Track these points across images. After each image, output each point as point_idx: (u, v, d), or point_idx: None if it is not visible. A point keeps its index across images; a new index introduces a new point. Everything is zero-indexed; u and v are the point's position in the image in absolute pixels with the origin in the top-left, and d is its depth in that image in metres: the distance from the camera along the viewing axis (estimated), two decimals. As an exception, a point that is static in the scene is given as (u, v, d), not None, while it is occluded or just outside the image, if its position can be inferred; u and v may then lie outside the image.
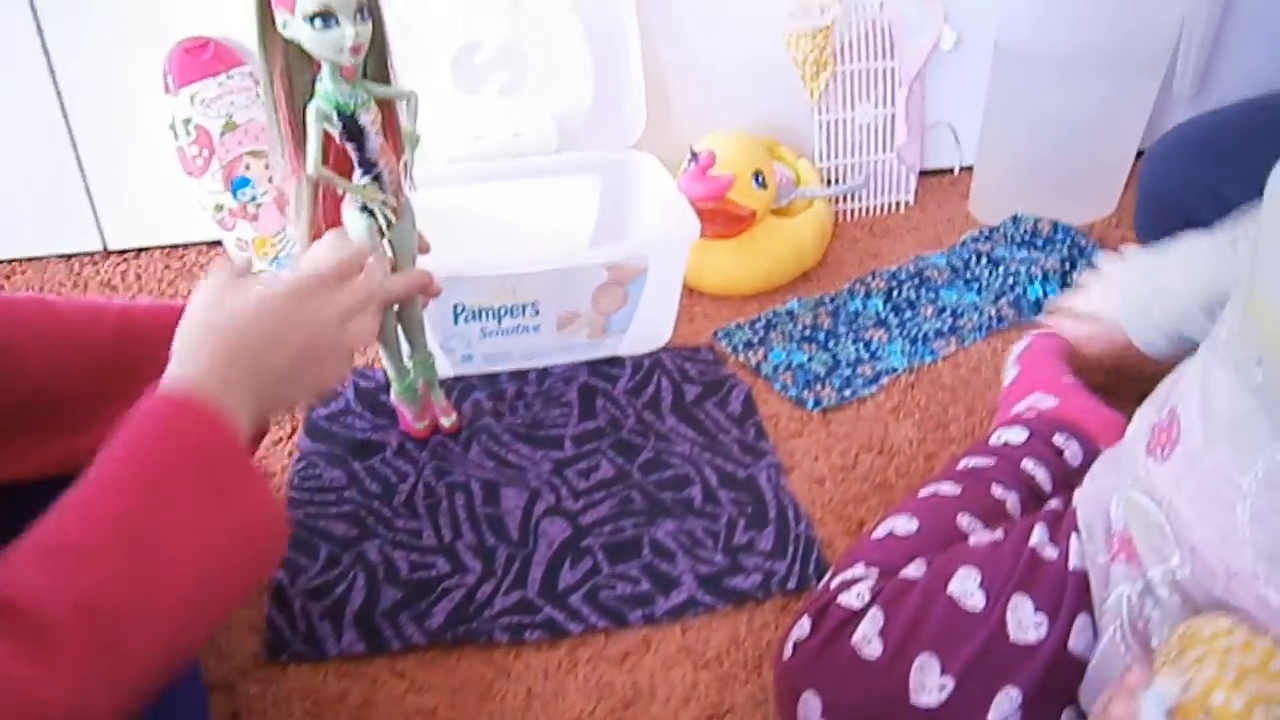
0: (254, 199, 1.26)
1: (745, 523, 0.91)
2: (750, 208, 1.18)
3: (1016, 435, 0.88)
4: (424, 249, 0.90)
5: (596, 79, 1.27)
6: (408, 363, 0.97)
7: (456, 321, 1.04)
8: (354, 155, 0.82)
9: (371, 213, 0.84)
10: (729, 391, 1.07)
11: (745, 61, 1.37)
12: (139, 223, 1.34)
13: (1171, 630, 0.57)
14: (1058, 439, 0.87)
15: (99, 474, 0.56)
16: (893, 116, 1.41)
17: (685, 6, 1.32)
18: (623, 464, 0.98)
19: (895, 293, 1.24)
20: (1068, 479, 0.84)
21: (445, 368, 1.07)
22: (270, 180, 1.25)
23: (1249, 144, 1.05)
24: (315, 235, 0.84)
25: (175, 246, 1.36)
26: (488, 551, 0.89)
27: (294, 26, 0.75)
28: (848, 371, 1.11)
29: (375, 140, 0.82)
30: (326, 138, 0.81)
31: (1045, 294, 1.21)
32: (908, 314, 1.21)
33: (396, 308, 0.92)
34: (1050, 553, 0.69)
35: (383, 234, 0.85)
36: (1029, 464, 0.85)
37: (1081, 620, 0.66)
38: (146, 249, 1.35)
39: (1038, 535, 0.70)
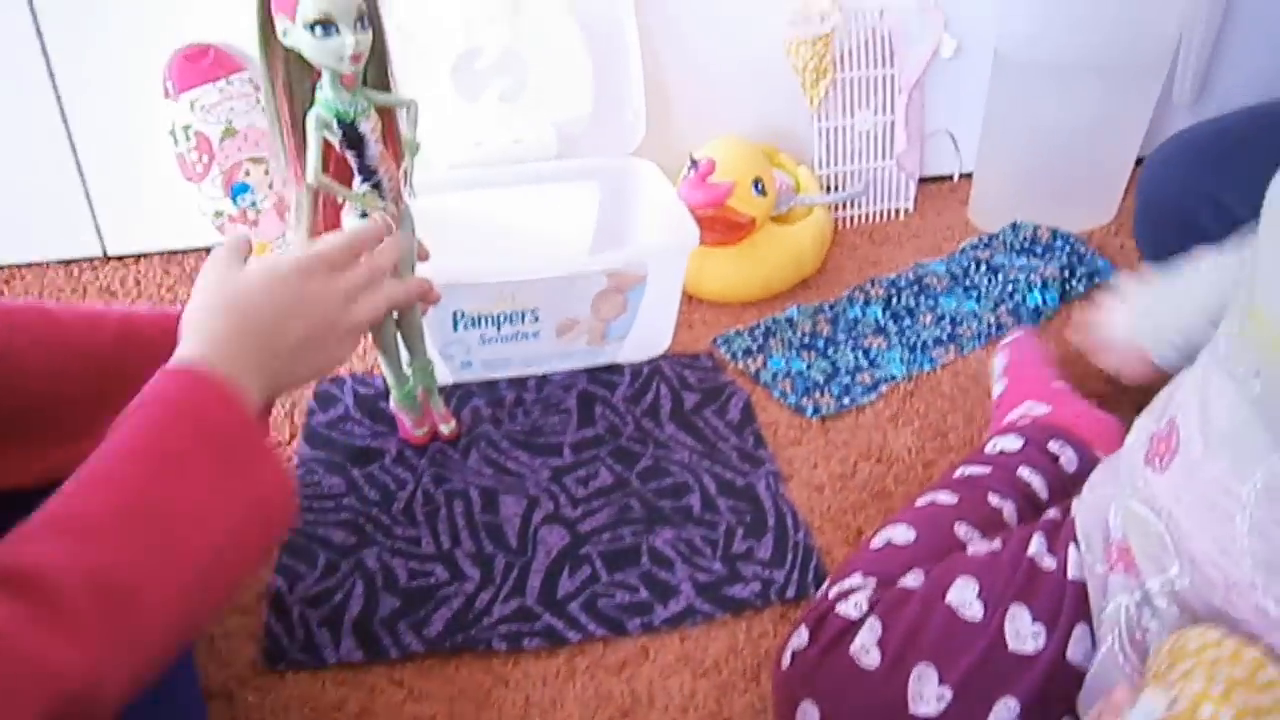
0: (254, 205, 1.26)
1: (744, 531, 0.91)
2: (750, 215, 1.18)
3: (1012, 443, 0.88)
4: (423, 256, 0.90)
5: (596, 86, 1.27)
6: (407, 370, 0.97)
7: (456, 328, 1.04)
8: (354, 163, 0.82)
9: (372, 220, 0.84)
10: (728, 399, 1.07)
11: (745, 69, 1.37)
12: (139, 228, 1.34)
13: (1161, 643, 0.57)
14: (1053, 445, 0.87)
15: (112, 448, 0.57)
16: (892, 124, 1.42)
17: (685, 13, 1.32)
18: (621, 472, 0.98)
19: (894, 300, 1.24)
20: (1064, 486, 0.85)
21: (444, 374, 1.07)
22: (270, 186, 1.25)
23: (1249, 152, 1.05)
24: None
25: (175, 252, 1.36)
26: (486, 559, 0.89)
27: (294, 34, 0.75)
28: (847, 379, 1.11)
29: (375, 148, 0.82)
30: (326, 145, 0.81)
31: (1045, 301, 1.21)
32: (907, 321, 1.21)
33: (396, 315, 0.92)
34: (1048, 562, 0.69)
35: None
36: (1025, 472, 0.85)
37: (1080, 630, 0.66)
38: (146, 254, 1.35)
39: (1036, 545, 0.70)
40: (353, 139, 0.81)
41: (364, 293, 0.74)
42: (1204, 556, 0.59)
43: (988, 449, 0.89)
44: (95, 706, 0.49)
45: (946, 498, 0.82)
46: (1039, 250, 1.30)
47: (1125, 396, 1.08)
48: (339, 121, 0.80)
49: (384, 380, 0.99)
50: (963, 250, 1.33)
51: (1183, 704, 0.50)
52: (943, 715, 0.65)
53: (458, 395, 1.08)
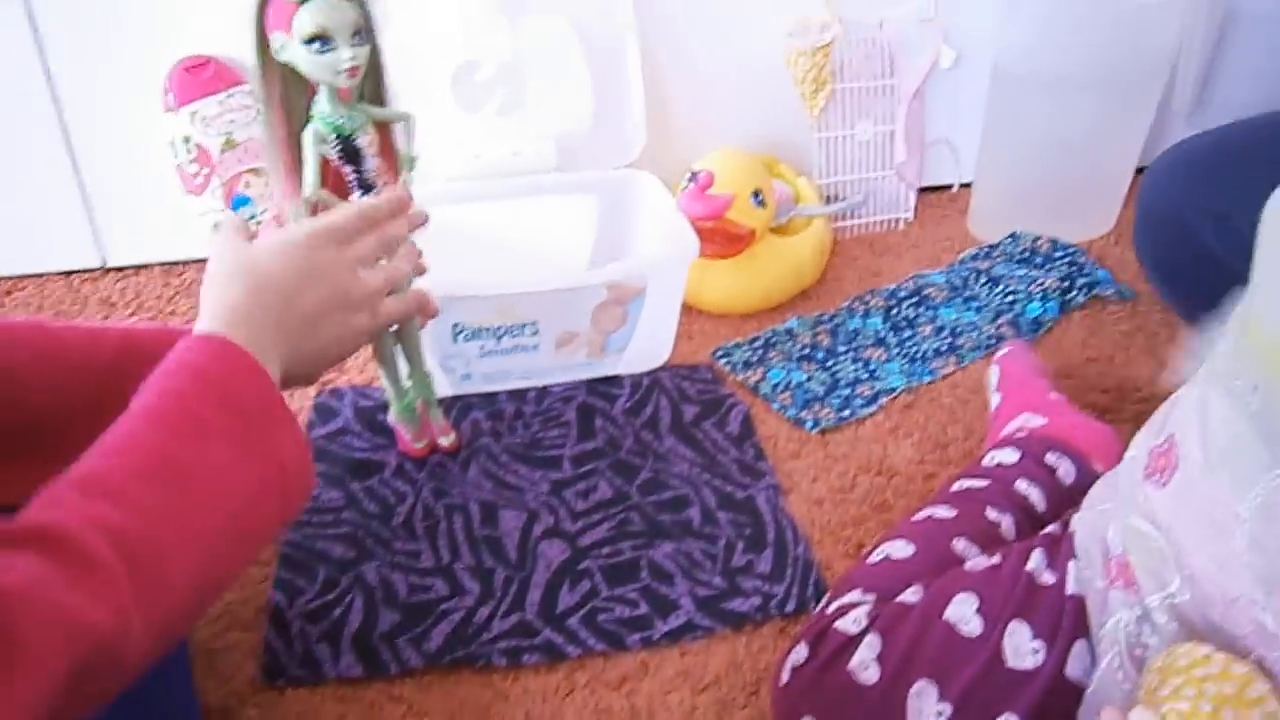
0: (254, 217, 1.26)
1: (744, 545, 0.91)
2: (749, 227, 1.18)
3: (1009, 456, 0.88)
4: (420, 270, 0.90)
5: (595, 98, 1.28)
6: (406, 382, 0.97)
7: (455, 340, 1.04)
8: (351, 177, 0.82)
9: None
10: (728, 411, 1.07)
11: (745, 80, 1.38)
12: (139, 240, 1.34)
13: (1154, 659, 0.57)
14: (1049, 458, 0.87)
15: (136, 413, 0.58)
16: (892, 134, 1.42)
17: (685, 25, 1.32)
18: (621, 485, 0.98)
19: (894, 311, 1.24)
20: (1061, 498, 0.85)
21: (444, 387, 1.07)
22: (271, 199, 1.26)
23: (1249, 163, 1.05)
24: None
25: (175, 264, 1.36)
26: (486, 573, 0.88)
27: (291, 50, 0.76)
28: (846, 391, 1.11)
29: (372, 162, 0.82)
30: (324, 160, 0.81)
31: (1045, 313, 1.21)
32: (907, 333, 1.21)
33: (395, 327, 0.92)
34: (1048, 578, 0.69)
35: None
36: (1022, 484, 0.85)
37: (1079, 646, 0.66)
38: (146, 266, 1.36)
39: (1035, 560, 0.70)
40: (350, 153, 0.81)
41: (376, 263, 0.75)
42: (1203, 572, 0.58)
43: (985, 462, 0.89)
44: (119, 662, 0.51)
45: (945, 512, 0.82)
46: (1039, 261, 1.30)
47: (1122, 408, 1.08)
48: (336, 136, 0.80)
49: (383, 393, 0.99)
50: (962, 261, 1.33)
51: None
52: (942, 732, 0.65)
53: (457, 407, 1.08)
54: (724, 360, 1.16)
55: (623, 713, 0.78)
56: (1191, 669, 0.54)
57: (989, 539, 0.79)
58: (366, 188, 0.83)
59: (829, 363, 1.16)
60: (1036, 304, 1.22)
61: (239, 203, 1.25)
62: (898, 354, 1.17)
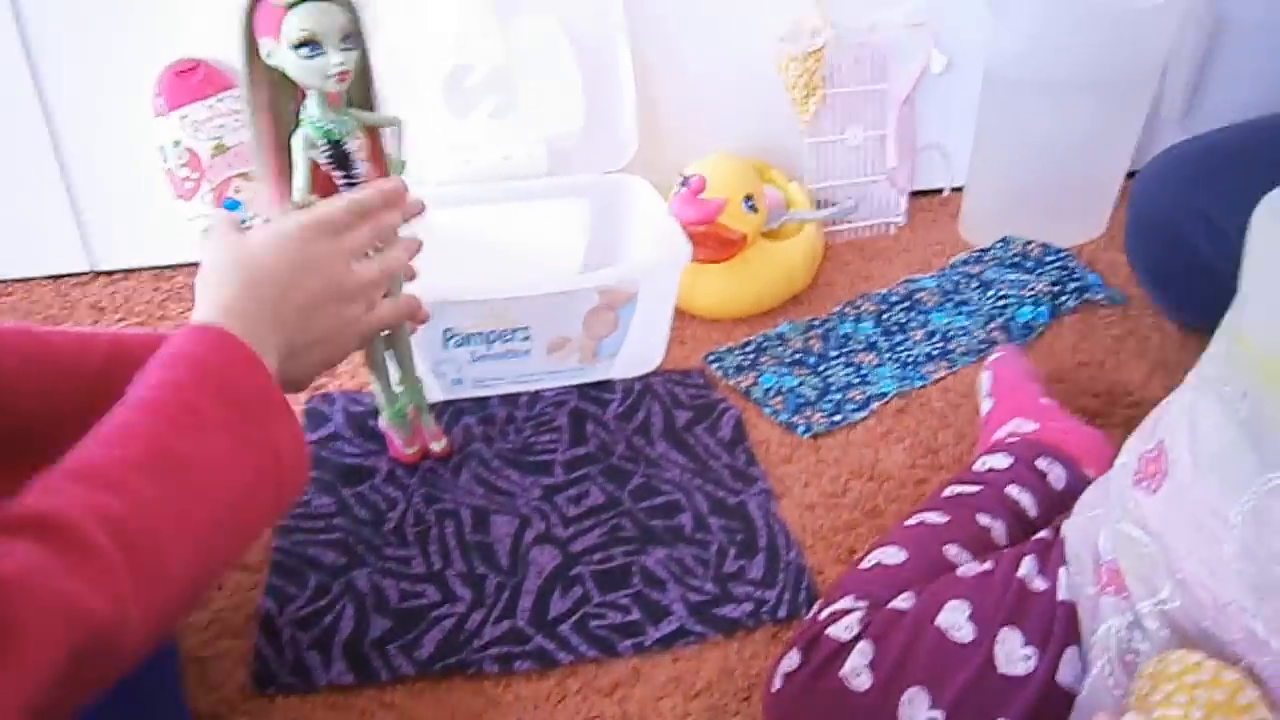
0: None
1: (736, 550, 0.91)
2: (741, 232, 1.18)
3: (1000, 461, 0.88)
4: (410, 276, 0.90)
5: (587, 102, 1.27)
6: (396, 388, 0.97)
7: (446, 345, 1.03)
8: (341, 182, 0.82)
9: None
10: (719, 416, 1.07)
11: (736, 84, 1.38)
12: (128, 244, 1.33)
13: (1144, 665, 0.57)
14: (1041, 463, 0.87)
15: (131, 402, 0.58)
16: (883, 139, 1.42)
17: (676, 29, 1.32)
18: (613, 490, 0.97)
19: (886, 316, 1.24)
20: (1053, 503, 0.85)
21: (435, 392, 1.07)
22: (259, 204, 1.25)
23: (1239, 168, 1.06)
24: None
25: (164, 268, 1.35)
26: (477, 580, 0.88)
27: (280, 55, 0.76)
28: (838, 396, 1.11)
29: (362, 167, 0.82)
30: (313, 165, 0.81)
31: (1036, 317, 1.21)
32: (898, 337, 1.21)
33: (385, 333, 0.92)
34: (1039, 584, 0.69)
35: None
36: (1014, 490, 0.85)
37: (1070, 652, 0.66)
38: (135, 271, 1.35)
39: (1026, 567, 0.70)
40: (339, 158, 0.81)
41: (369, 254, 0.75)
42: (1193, 578, 0.59)
43: (976, 467, 0.89)
44: (116, 650, 0.51)
45: (936, 518, 0.82)
46: (1030, 265, 1.31)
47: (1113, 412, 1.08)
48: (326, 141, 0.80)
49: (375, 398, 0.98)
50: (953, 265, 1.34)
51: None
52: (934, 738, 0.65)
53: (449, 412, 1.08)
54: (716, 365, 1.16)
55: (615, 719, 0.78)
56: (1183, 675, 0.54)
57: (980, 544, 0.79)
58: (357, 193, 0.82)
59: (820, 367, 1.16)
60: (1028, 308, 1.22)
61: (229, 207, 1.24)
62: (889, 359, 1.17)
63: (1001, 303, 1.23)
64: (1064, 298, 1.25)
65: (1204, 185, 1.09)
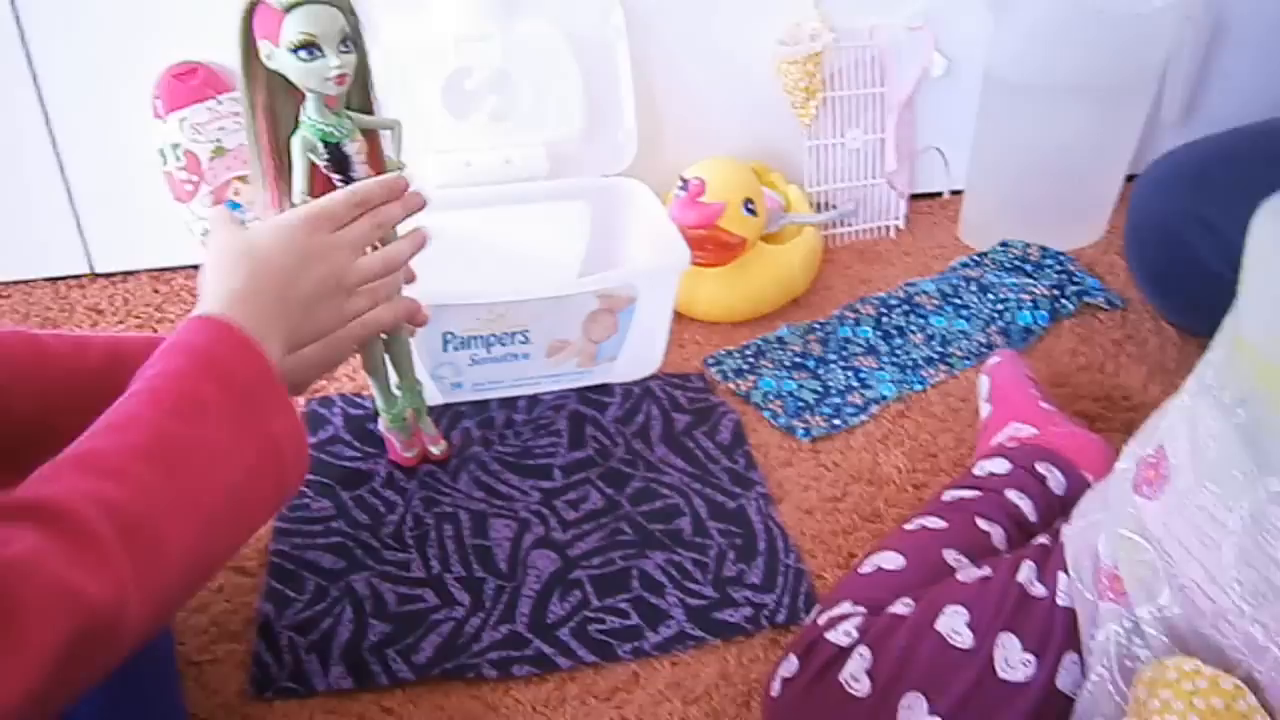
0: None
1: (735, 555, 0.91)
2: (741, 235, 1.18)
3: (999, 466, 0.88)
4: (409, 278, 0.90)
5: (587, 105, 1.27)
6: (395, 391, 0.97)
7: (446, 349, 1.03)
8: (340, 184, 0.82)
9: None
10: (719, 420, 1.07)
11: (736, 88, 1.38)
12: (127, 246, 1.33)
13: (1141, 672, 0.57)
14: (1040, 467, 0.87)
15: (135, 392, 0.59)
16: (883, 142, 1.42)
17: (675, 33, 1.32)
18: (612, 494, 0.97)
19: (885, 319, 1.24)
20: (1052, 508, 0.85)
21: (434, 395, 1.07)
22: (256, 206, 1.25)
23: (1238, 172, 1.06)
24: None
25: (163, 270, 1.35)
26: (476, 584, 0.88)
27: (279, 58, 0.76)
28: (837, 400, 1.11)
29: (361, 170, 0.82)
30: (311, 167, 0.81)
31: (1035, 321, 1.21)
32: (897, 341, 1.21)
33: (384, 336, 0.92)
34: (1038, 590, 0.69)
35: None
36: (1012, 495, 0.85)
37: (1069, 659, 0.66)
38: (134, 272, 1.35)
39: (1025, 572, 0.70)
40: (338, 161, 0.81)
41: (368, 250, 0.77)
42: (1193, 584, 0.58)
43: (975, 472, 0.89)
44: (116, 638, 0.52)
45: (935, 523, 0.82)
46: (1029, 268, 1.31)
47: (1112, 416, 1.08)
48: (324, 143, 0.80)
49: (373, 402, 0.98)
50: (953, 269, 1.34)
51: None
52: (933, 744, 0.65)
53: (448, 416, 1.07)
54: (715, 369, 1.16)
55: (613, 725, 0.78)
56: (1180, 683, 0.54)
57: (979, 550, 0.79)
58: (355, 195, 0.82)
59: (820, 371, 1.16)
60: (1027, 312, 1.22)
61: (228, 209, 1.24)
62: (888, 362, 1.17)
63: (1001, 306, 1.23)
64: (1063, 301, 1.25)
65: (1203, 189, 1.09)
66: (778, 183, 1.36)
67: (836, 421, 1.07)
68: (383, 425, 0.99)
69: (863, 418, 1.08)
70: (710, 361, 1.17)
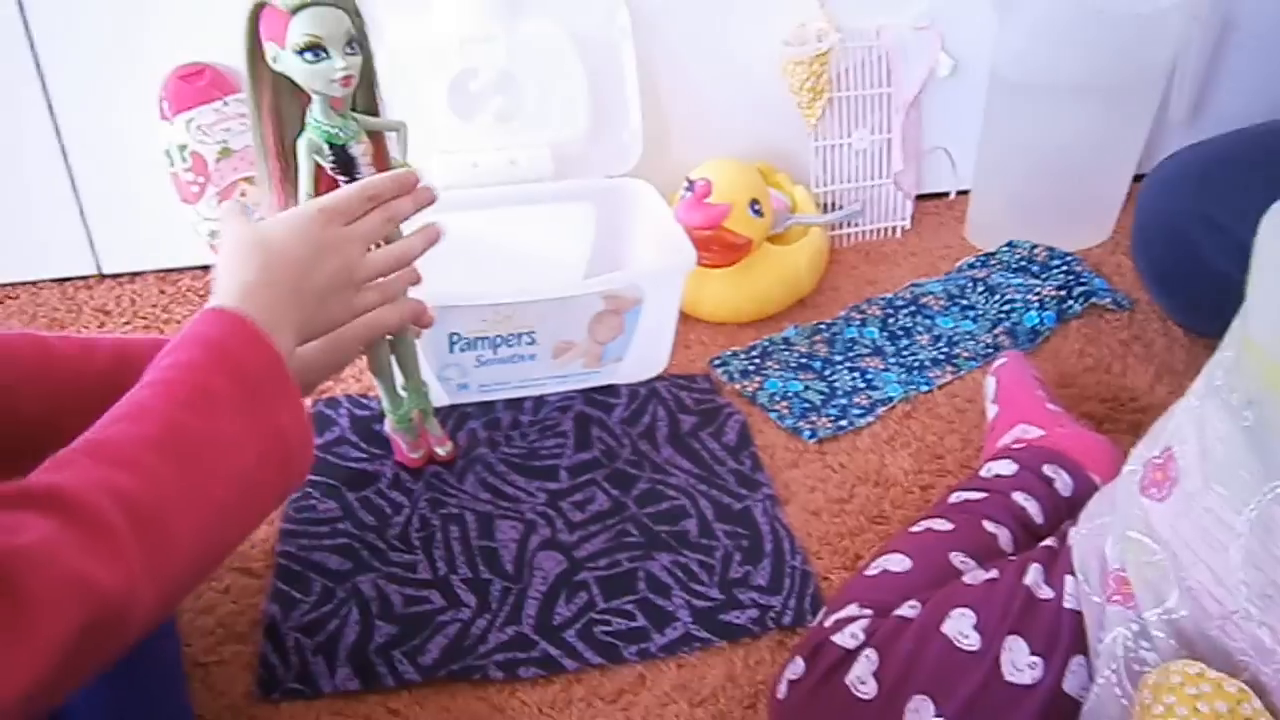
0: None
1: (741, 556, 0.91)
2: (747, 236, 1.18)
3: (1006, 468, 0.88)
4: (415, 280, 0.90)
5: (592, 106, 1.27)
6: (401, 392, 0.97)
7: (452, 350, 1.03)
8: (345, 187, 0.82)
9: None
10: (725, 421, 1.07)
11: (742, 88, 1.37)
12: (134, 247, 1.33)
13: (1146, 677, 0.57)
14: (1047, 469, 0.87)
15: (148, 383, 0.60)
16: (889, 142, 1.42)
17: (681, 33, 1.32)
18: (618, 496, 0.97)
19: (891, 320, 1.24)
20: (1059, 510, 0.84)
21: (440, 396, 1.07)
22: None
23: (1246, 173, 1.06)
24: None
25: (170, 271, 1.35)
26: (482, 585, 0.88)
27: (284, 60, 0.76)
28: (844, 401, 1.10)
29: (366, 171, 0.82)
30: (317, 169, 0.81)
31: (1042, 321, 1.21)
32: (904, 342, 1.21)
33: (390, 338, 0.92)
34: (1045, 593, 0.68)
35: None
36: (1019, 497, 0.84)
37: (1077, 661, 0.65)
38: (141, 273, 1.35)
39: (1032, 575, 0.70)
40: (344, 163, 0.81)
41: (375, 241, 0.78)
42: (1200, 586, 0.58)
43: (982, 474, 0.89)
44: (125, 623, 0.52)
45: (942, 525, 0.82)
46: (1036, 269, 1.30)
47: (1119, 417, 1.08)
48: (330, 146, 0.80)
49: (380, 402, 0.98)
50: (959, 269, 1.33)
51: None
52: (939, 748, 0.65)
53: (454, 417, 1.07)
54: (721, 370, 1.16)
55: (619, 727, 0.78)
56: (1184, 687, 0.54)
57: (987, 552, 0.79)
58: (361, 197, 0.82)
59: (826, 372, 1.16)
60: (1034, 313, 1.22)
61: (235, 211, 1.24)
62: (895, 363, 1.17)
63: (1007, 307, 1.23)
64: (1070, 302, 1.25)
65: (1210, 189, 1.09)
66: (784, 183, 1.36)
67: (843, 423, 1.07)
68: (389, 426, 0.99)
69: (869, 419, 1.08)
70: (716, 362, 1.17)
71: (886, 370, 1.16)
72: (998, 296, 1.25)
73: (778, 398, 1.10)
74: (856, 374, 1.15)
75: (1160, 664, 0.60)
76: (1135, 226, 1.17)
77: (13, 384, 0.71)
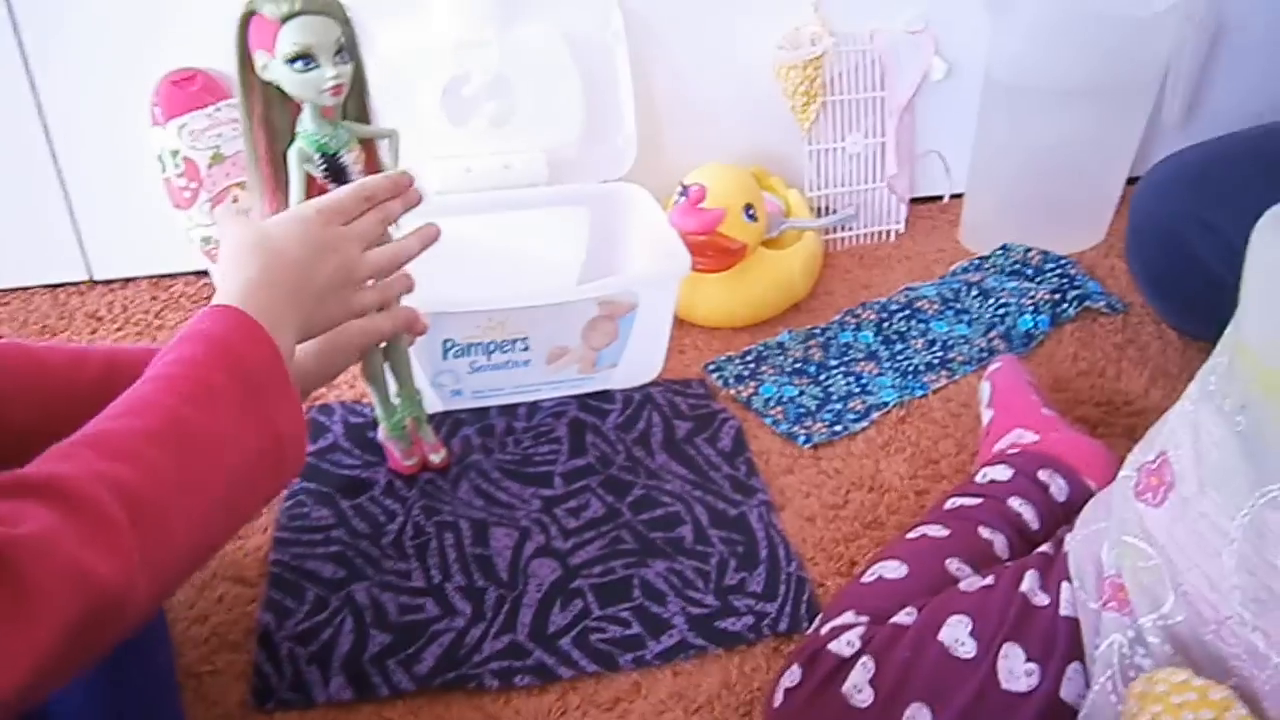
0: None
1: (736, 563, 0.91)
2: (741, 241, 1.17)
3: (1001, 473, 0.88)
4: (408, 287, 0.89)
5: (586, 110, 1.27)
6: (395, 399, 0.96)
7: (445, 356, 1.03)
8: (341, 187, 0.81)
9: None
10: (719, 427, 1.07)
11: (736, 92, 1.37)
12: (125, 253, 1.33)
13: (1132, 685, 0.57)
14: (1042, 474, 0.87)
15: (150, 376, 0.61)
16: (883, 146, 1.42)
17: (675, 37, 1.32)
18: (613, 502, 0.97)
19: (886, 324, 1.24)
20: (1054, 515, 0.84)
21: (434, 403, 1.07)
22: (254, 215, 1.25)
23: (1240, 176, 1.06)
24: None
25: (162, 277, 1.35)
26: (477, 593, 0.88)
27: (274, 69, 0.76)
28: (838, 406, 1.10)
29: (358, 179, 0.82)
30: (309, 178, 0.81)
31: (1036, 325, 1.21)
32: (898, 346, 1.20)
33: (383, 345, 0.91)
34: (1041, 600, 0.68)
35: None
36: (1015, 502, 0.84)
37: (1073, 668, 0.65)
38: (133, 279, 1.35)
39: (1028, 582, 0.69)
40: (335, 171, 0.81)
41: (372, 241, 0.78)
42: (1195, 591, 0.58)
43: (977, 479, 0.89)
44: (122, 616, 0.53)
45: (937, 531, 0.81)
46: (1030, 273, 1.30)
47: (1114, 421, 1.08)
48: (321, 154, 0.80)
49: (374, 409, 0.98)
50: (953, 273, 1.33)
51: None
52: (936, 755, 0.64)
53: (448, 423, 1.07)
54: (716, 375, 1.16)
55: (615, 735, 0.78)
56: (1169, 695, 0.54)
57: (982, 558, 0.79)
58: (353, 205, 0.82)
59: (821, 377, 1.16)
60: (1028, 317, 1.22)
61: (227, 217, 1.24)
62: (889, 368, 1.17)
63: (1002, 311, 1.23)
64: (1064, 306, 1.25)
65: (1204, 192, 1.09)
66: (778, 187, 1.36)
67: (838, 428, 1.07)
68: (382, 433, 0.99)
69: (864, 424, 1.08)
70: (711, 368, 1.17)
71: (881, 375, 1.16)
72: (992, 300, 1.25)
73: (772, 403, 1.10)
74: (851, 379, 1.15)
75: (1155, 670, 0.60)
76: (1130, 229, 1.17)
77: (4, 394, 0.71)
